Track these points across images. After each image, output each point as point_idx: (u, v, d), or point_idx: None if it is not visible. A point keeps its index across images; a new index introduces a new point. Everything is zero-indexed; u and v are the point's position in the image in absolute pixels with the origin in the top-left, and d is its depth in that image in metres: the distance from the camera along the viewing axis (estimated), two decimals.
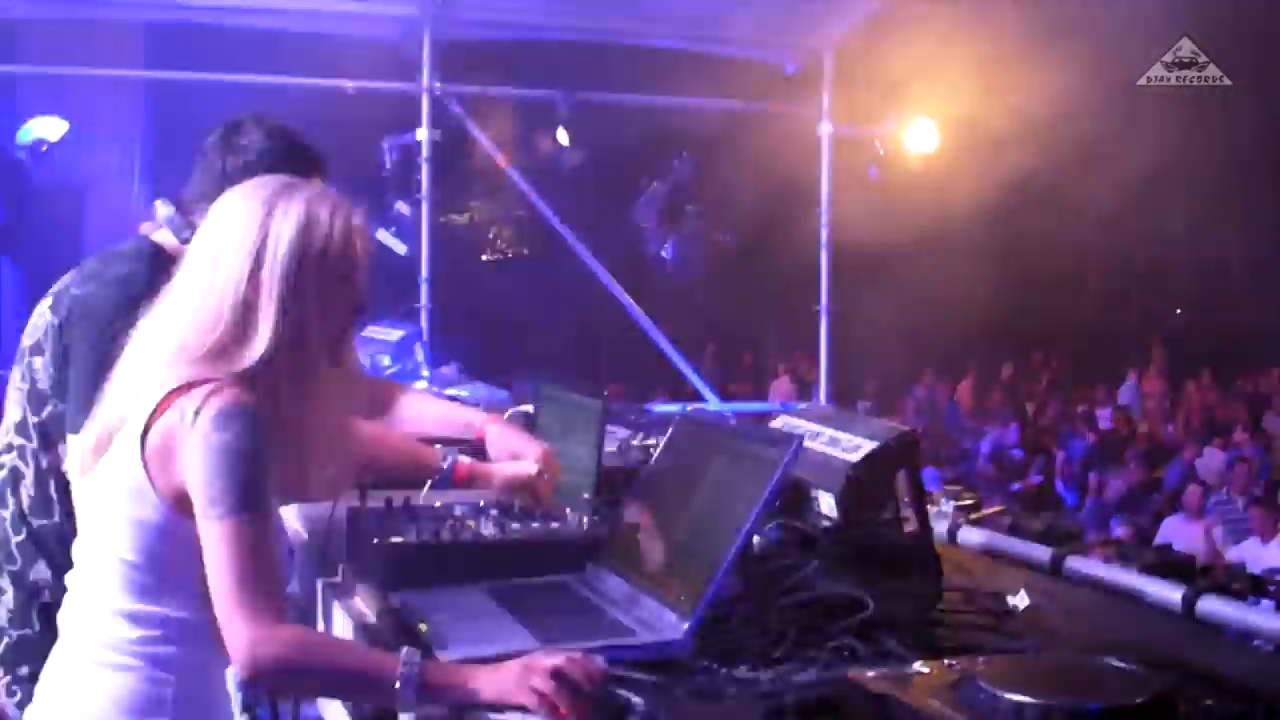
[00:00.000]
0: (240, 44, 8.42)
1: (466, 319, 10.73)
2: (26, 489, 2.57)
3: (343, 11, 8.47)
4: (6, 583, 2.57)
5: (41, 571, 2.55)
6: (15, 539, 2.57)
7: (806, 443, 2.37)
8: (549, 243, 10.69)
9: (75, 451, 2.01)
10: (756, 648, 1.96)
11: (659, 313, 9.73)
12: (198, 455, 1.78)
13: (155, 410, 1.83)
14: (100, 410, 1.92)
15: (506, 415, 3.13)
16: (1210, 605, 2.35)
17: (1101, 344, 18.02)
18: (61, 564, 2.01)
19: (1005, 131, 10.17)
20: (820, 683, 1.81)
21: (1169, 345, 16.57)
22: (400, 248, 8.65)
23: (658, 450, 2.62)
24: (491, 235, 17.40)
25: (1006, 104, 9.22)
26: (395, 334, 6.23)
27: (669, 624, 1.99)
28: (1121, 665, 1.74)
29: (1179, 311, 20.17)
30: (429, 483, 2.68)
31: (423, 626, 2.00)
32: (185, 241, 2.39)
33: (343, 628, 2.31)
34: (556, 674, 1.67)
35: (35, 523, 2.56)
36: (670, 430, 2.55)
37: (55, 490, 2.55)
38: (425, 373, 6.31)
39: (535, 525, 2.50)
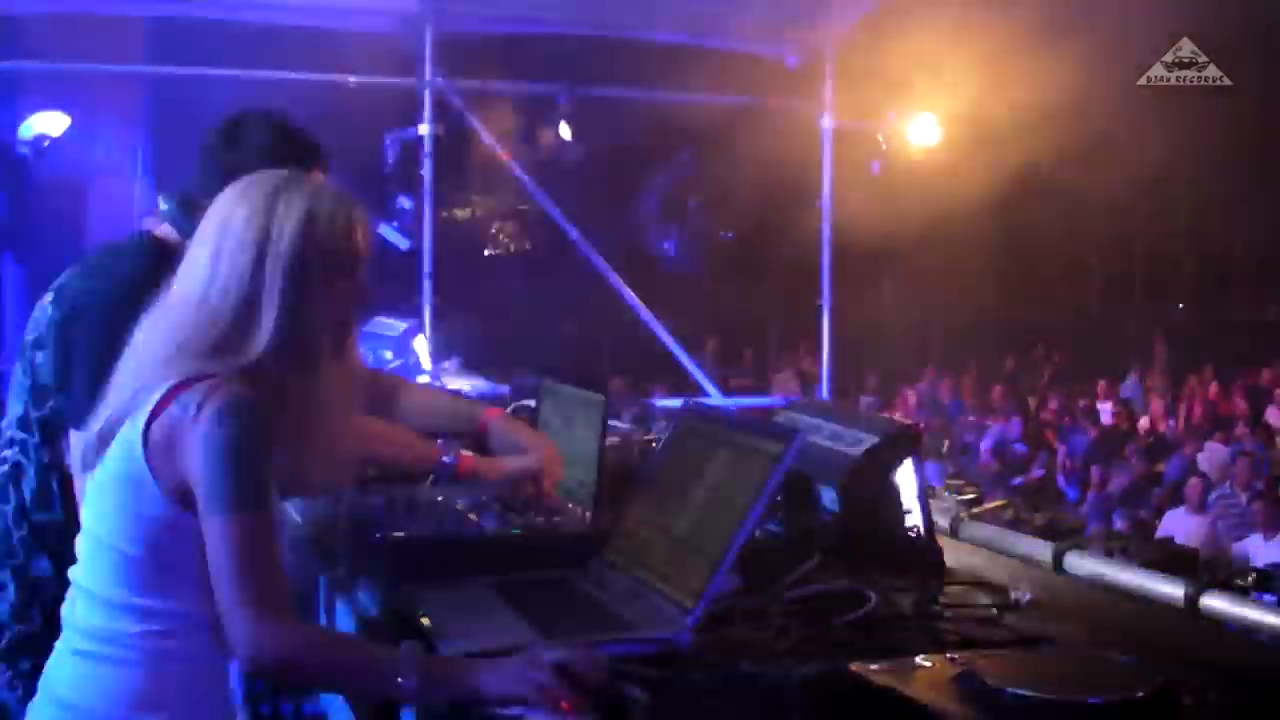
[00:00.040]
0: (242, 39, 8.42)
1: (468, 313, 10.73)
2: (28, 483, 2.58)
3: (344, 6, 8.47)
4: (8, 577, 2.57)
5: (43, 566, 2.55)
6: (17, 534, 2.57)
7: (808, 437, 2.37)
8: (551, 237, 10.69)
9: (77, 446, 2.02)
10: (759, 642, 1.96)
11: (661, 307, 9.73)
12: (200, 450, 1.78)
13: (158, 405, 1.83)
14: (103, 405, 1.92)
15: (509, 409, 3.13)
16: (1214, 600, 2.35)
17: (1103, 338, 18.02)
18: (63, 559, 2.01)
19: (1008, 126, 10.14)
20: (822, 677, 1.80)
21: (1171, 340, 16.56)
22: (402, 242, 8.66)
23: (660, 444, 2.61)
24: (493, 230, 17.39)
25: (1009, 98, 9.20)
26: (398, 328, 6.24)
27: (671, 618, 2.00)
28: (1124, 659, 1.73)
29: (1181, 306, 20.17)
30: (431, 477, 2.68)
31: (425, 621, 2.01)
32: (187, 236, 2.38)
33: (345, 622, 2.31)
34: (559, 669, 1.67)
35: (36, 517, 2.56)
36: (672, 425, 2.55)
37: (56, 485, 2.55)
38: (427, 367, 6.32)
39: (537, 520, 2.50)
